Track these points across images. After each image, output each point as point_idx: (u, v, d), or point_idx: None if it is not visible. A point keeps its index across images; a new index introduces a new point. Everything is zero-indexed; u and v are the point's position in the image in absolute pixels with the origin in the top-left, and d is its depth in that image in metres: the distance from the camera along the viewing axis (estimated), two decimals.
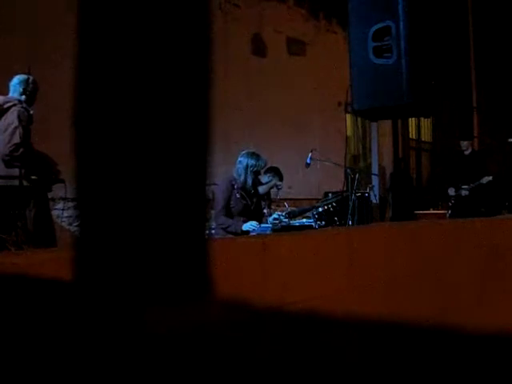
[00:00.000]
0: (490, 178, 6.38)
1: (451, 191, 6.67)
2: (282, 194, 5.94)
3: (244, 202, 4.00)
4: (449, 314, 2.09)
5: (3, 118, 3.82)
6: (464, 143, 6.64)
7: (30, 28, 4.55)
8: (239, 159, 4.07)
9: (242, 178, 3.99)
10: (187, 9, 0.65)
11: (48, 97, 4.13)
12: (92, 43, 0.64)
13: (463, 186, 6.52)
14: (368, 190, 5.75)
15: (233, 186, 3.98)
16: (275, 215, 4.17)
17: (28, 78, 3.98)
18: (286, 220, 4.15)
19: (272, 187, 4.24)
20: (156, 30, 0.63)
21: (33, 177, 3.81)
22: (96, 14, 0.64)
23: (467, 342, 0.53)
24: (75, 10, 0.65)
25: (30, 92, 3.96)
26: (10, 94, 3.94)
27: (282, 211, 4.39)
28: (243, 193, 4.00)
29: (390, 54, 2.99)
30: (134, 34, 0.63)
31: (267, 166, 4.42)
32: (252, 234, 3.75)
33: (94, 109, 0.64)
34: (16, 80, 3.95)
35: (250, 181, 4.00)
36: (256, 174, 4.03)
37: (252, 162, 4.00)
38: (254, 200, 4.10)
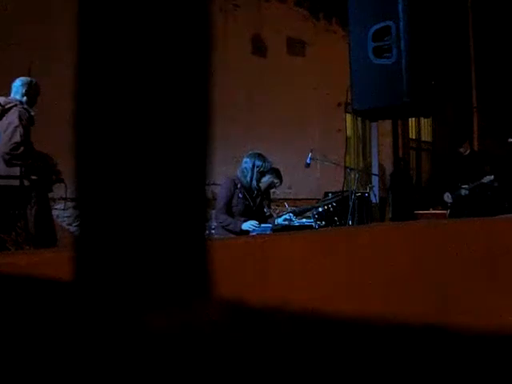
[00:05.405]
0: (492, 177, 6.37)
1: (447, 198, 6.64)
2: (282, 194, 5.93)
3: (246, 202, 4.00)
4: (448, 313, 2.09)
5: (4, 117, 3.83)
6: (461, 149, 6.64)
7: (30, 28, 4.55)
8: (245, 159, 4.07)
9: (248, 178, 4.00)
10: (187, 8, 0.65)
11: (48, 97, 4.13)
12: (92, 43, 0.65)
13: (463, 186, 6.51)
14: (368, 190, 5.75)
15: (236, 185, 3.99)
16: (286, 216, 4.19)
17: (31, 81, 4.00)
18: (296, 220, 4.18)
19: (271, 186, 4.25)
20: (156, 30, 0.63)
21: (33, 177, 3.82)
22: (96, 13, 0.64)
23: (467, 342, 0.53)
24: (75, 9, 0.65)
25: (32, 94, 3.98)
26: (12, 96, 3.95)
27: (283, 211, 4.40)
28: (246, 193, 4.00)
29: (389, 54, 2.99)
30: (133, 34, 0.63)
31: None
32: (252, 233, 3.75)
33: (94, 109, 0.64)
34: (19, 82, 3.97)
35: (255, 181, 4.01)
36: (261, 174, 4.04)
37: (259, 162, 4.01)
38: (257, 200, 4.11)
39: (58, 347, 0.57)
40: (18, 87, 3.96)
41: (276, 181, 4.26)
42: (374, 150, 8.67)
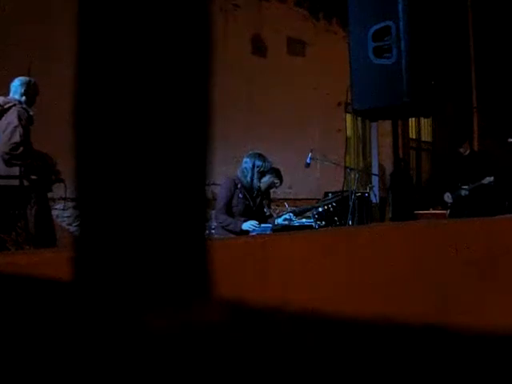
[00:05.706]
0: (492, 178, 6.36)
1: (447, 198, 6.64)
2: (282, 194, 5.93)
3: (246, 202, 4.00)
4: (448, 313, 2.09)
5: (3, 117, 3.83)
6: (461, 149, 6.64)
7: (29, 28, 4.55)
8: (245, 159, 4.07)
9: (248, 178, 4.00)
10: (187, 8, 0.65)
11: (47, 96, 4.13)
12: (92, 43, 0.64)
13: (463, 186, 6.50)
14: (368, 190, 5.76)
15: (236, 185, 3.99)
16: (286, 216, 4.19)
17: (30, 81, 4.00)
18: (296, 220, 4.18)
19: (271, 186, 4.25)
20: (156, 30, 0.63)
21: (33, 176, 3.82)
22: (96, 13, 0.64)
23: (467, 342, 0.53)
24: (75, 9, 0.65)
25: (31, 94, 3.99)
26: (11, 95, 3.96)
27: (283, 211, 4.40)
28: (246, 193, 4.00)
29: (389, 54, 2.99)
30: (133, 34, 0.63)
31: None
32: (252, 233, 3.75)
33: (93, 109, 0.64)
34: (17, 82, 3.97)
35: (256, 181, 4.01)
36: (262, 174, 4.05)
37: (259, 162, 4.01)
38: (257, 200, 4.11)
39: (58, 347, 0.57)
40: (16, 87, 3.96)
41: (276, 181, 4.26)
42: (374, 150, 8.67)
